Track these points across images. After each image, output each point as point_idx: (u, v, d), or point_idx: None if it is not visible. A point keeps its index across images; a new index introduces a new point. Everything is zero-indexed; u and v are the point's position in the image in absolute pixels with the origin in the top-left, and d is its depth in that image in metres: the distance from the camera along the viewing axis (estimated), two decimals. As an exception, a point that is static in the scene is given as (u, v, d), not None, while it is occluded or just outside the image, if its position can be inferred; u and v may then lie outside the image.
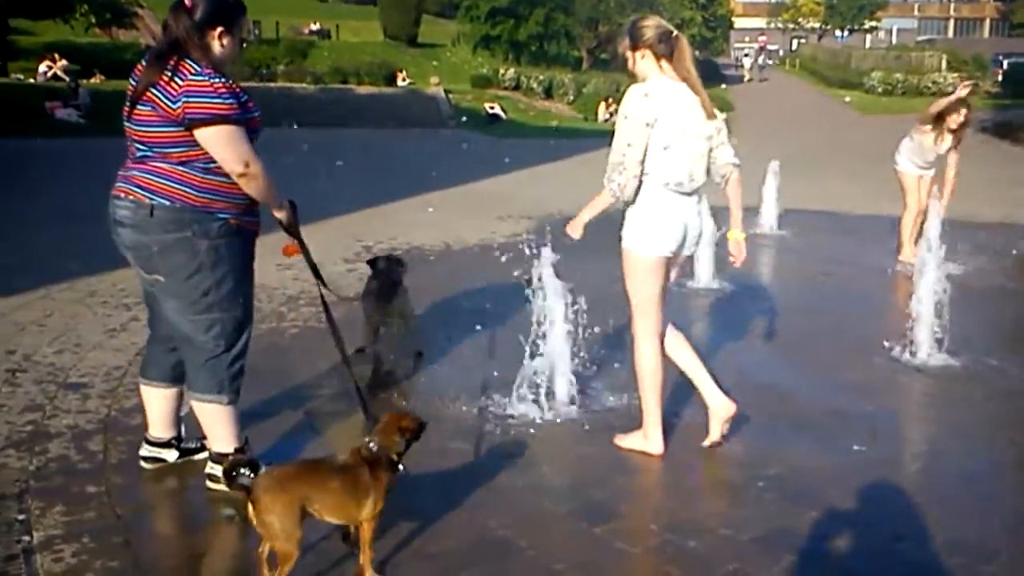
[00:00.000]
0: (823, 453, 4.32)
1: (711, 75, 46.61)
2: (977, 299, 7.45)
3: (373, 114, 29.31)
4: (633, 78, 4.12)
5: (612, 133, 4.06)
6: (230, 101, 3.38)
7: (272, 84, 32.79)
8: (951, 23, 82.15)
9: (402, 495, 3.75)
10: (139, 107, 3.42)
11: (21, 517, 3.51)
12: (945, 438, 4.68)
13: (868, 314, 7.33)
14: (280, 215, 3.68)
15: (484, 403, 4.80)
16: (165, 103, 3.35)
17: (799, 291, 8.12)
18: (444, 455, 4.21)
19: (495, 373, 5.11)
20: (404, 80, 35.52)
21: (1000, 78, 41.79)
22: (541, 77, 37.05)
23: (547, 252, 4.67)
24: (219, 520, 3.62)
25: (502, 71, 37.48)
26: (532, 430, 4.52)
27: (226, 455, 3.67)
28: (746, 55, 53.15)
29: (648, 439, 4.30)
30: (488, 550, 3.37)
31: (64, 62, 28.55)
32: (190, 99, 3.33)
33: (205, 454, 4.03)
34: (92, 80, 26.94)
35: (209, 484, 3.78)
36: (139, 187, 3.46)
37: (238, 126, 3.41)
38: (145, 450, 3.98)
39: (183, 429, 4.04)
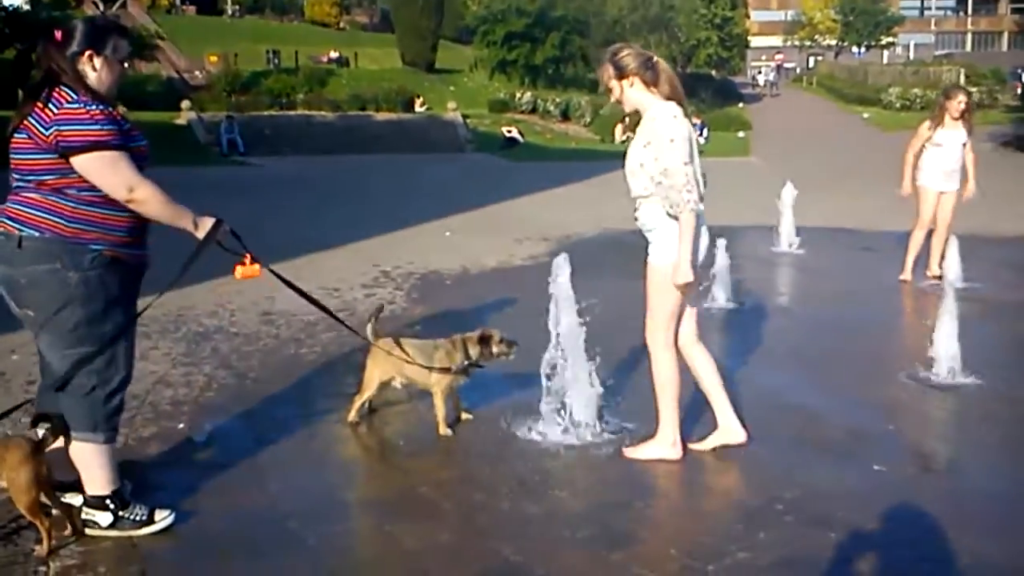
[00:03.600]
0: (843, 474, 4.26)
1: (729, 94, 46.74)
2: (998, 316, 7.38)
3: (391, 140, 29.55)
4: (619, 104, 4.36)
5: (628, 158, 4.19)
6: (109, 127, 3.30)
7: (292, 112, 33.20)
8: (969, 37, 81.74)
9: (417, 520, 3.76)
10: (16, 135, 3.34)
11: (37, 548, 3.50)
12: (968, 458, 4.60)
13: (888, 332, 7.26)
14: (199, 233, 3.50)
15: (501, 428, 4.77)
16: (39, 130, 3.27)
17: (817, 309, 8.04)
18: (460, 481, 4.21)
19: (512, 397, 5.09)
20: (422, 106, 35.78)
21: (1019, 91, 41.59)
22: (558, 100, 37.25)
23: (562, 272, 4.62)
24: (233, 547, 3.60)
25: (519, 95, 37.69)
26: (549, 455, 4.49)
27: (103, 498, 3.53)
28: (759, 72, 53.37)
29: (668, 445, 4.36)
30: (504, 577, 3.34)
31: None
32: (62, 127, 3.25)
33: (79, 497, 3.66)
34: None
35: (89, 532, 3.54)
36: (9, 218, 3.34)
37: (118, 151, 3.31)
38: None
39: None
